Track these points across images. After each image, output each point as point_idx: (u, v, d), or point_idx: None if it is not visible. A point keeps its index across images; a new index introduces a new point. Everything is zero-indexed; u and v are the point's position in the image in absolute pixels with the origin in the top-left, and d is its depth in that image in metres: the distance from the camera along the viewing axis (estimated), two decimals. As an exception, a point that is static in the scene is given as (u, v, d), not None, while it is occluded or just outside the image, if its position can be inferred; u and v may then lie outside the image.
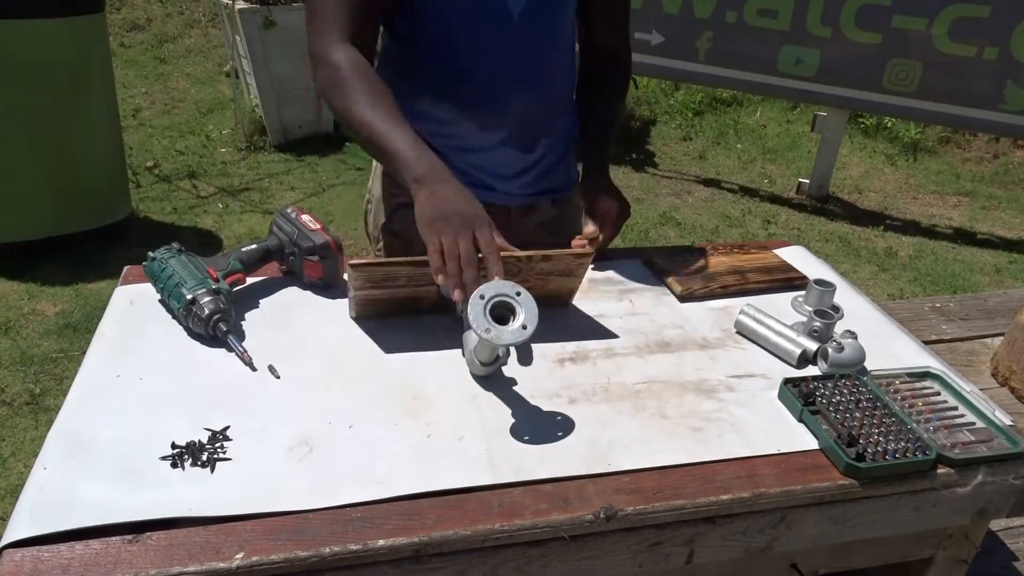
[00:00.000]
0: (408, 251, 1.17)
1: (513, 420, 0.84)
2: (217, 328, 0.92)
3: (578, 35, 1.28)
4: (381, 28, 1.17)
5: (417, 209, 0.92)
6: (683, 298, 1.11)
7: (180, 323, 0.95)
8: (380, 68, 1.19)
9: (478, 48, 1.14)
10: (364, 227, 1.37)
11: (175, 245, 1.03)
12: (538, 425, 0.83)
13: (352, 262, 0.90)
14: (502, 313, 0.83)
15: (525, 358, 0.89)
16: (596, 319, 1.05)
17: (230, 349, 0.91)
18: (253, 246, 1.07)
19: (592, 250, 1.01)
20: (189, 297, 0.93)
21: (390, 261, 0.92)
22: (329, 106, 1.07)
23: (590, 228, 1.13)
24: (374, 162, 1.30)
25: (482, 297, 0.83)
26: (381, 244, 1.32)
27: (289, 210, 1.11)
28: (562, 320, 1.04)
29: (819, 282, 1.06)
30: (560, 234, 1.28)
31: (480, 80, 1.16)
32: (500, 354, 0.88)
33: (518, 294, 0.84)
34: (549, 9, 1.15)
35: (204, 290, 0.94)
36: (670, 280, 1.14)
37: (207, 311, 0.92)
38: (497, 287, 0.84)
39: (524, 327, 0.82)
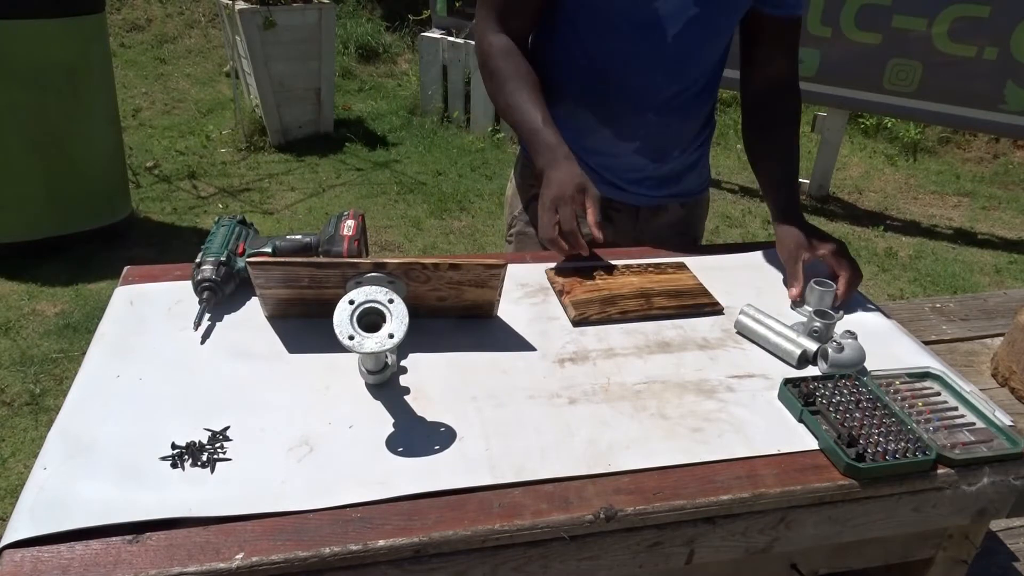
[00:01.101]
0: (538, 242, 1.31)
1: (513, 420, 0.84)
2: (200, 293, 0.97)
3: (744, 62, 1.26)
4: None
5: (543, 183, 1.12)
6: (576, 323, 1.03)
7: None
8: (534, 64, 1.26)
9: (624, 64, 1.17)
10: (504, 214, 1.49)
11: (239, 216, 1.11)
12: (538, 425, 0.83)
13: (249, 260, 0.90)
14: (375, 320, 0.82)
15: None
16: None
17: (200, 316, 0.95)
18: (297, 237, 1.08)
19: (504, 262, 0.94)
20: (197, 260, 0.99)
21: (288, 261, 0.90)
22: (485, 86, 1.23)
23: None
24: (519, 153, 1.42)
25: (351, 303, 0.82)
26: (514, 231, 1.41)
27: (346, 212, 1.13)
28: (483, 330, 1.00)
29: (819, 282, 1.06)
30: (687, 234, 1.34)
31: (622, 94, 1.19)
32: (388, 362, 0.88)
33: (391, 301, 0.83)
34: (704, 34, 1.16)
35: (213, 259, 0.99)
36: (565, 302, 1.06)
37: (199, 276, 0.97)
38: (369, 293, 0.83)
39: (391, 335, 0.80)
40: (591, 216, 1.07)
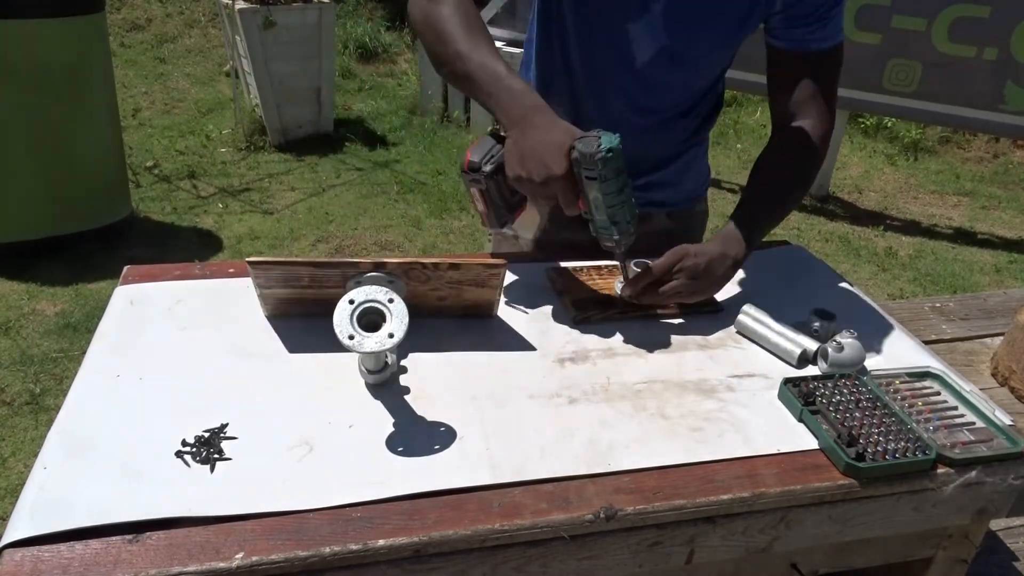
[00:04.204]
0: (516, 243, 1.33)
1: (513, 420, 0.84)
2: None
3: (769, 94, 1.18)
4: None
5: (506, 150, 0.94)
6: (578, 322, 1.03)
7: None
8: (527, 61, 1.23)
9: (595, 77, 1.14)
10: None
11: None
12: (538, 425, 0.83)
13: (250, 260, 0.90)
14: (374, 320, 0.82)
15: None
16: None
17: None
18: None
19: (504, 262, 0.92)
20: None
21: (288, 261, 0.90)
22: (422, 40, 1.03)
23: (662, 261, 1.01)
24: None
25: (351, 303, 0.82)
26: (491, 239, 1.37)
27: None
28: (483, 330, 1.00)
29: (638, 263, 1.05)
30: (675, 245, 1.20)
31: (592, 105, 1.16)
32: (388, 362, 0.88)
33: (391, 301, 0.83)
34: (672, 66, 1.12)
35: None
36: (566, 301, 1.06)
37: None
38: (369, 292, 0.83)
39: (391, 335, 0.80)
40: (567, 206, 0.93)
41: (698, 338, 1.02)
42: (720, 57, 1.15)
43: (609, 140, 0.89)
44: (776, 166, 1.14)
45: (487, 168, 0.98)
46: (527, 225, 1.33)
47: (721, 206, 4.08)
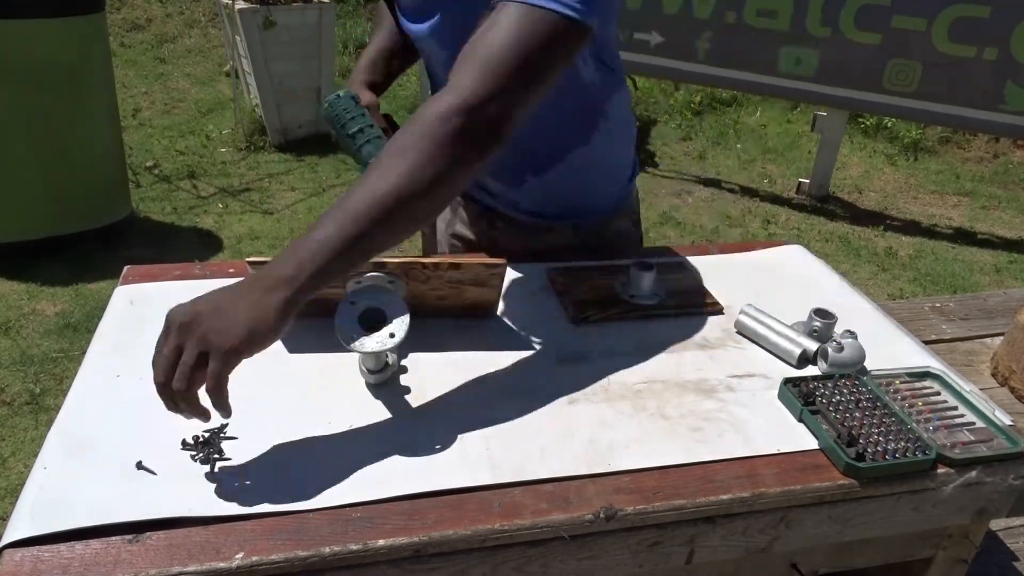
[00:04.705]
0: (429, 237, 1.34)
1: (513, 420, 0.84)
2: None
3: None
4: None
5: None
6: (578, 322, 1.03)
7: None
8: None
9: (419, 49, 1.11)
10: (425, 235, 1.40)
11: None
12: (538, 425, 0.83)
13: (250, 260, 0.90)
14: (376, 320, 0.82)
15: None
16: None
17: None
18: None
19: (504, 261, 0.92)
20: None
21: None
22: None
23: None
24: None
25: (352, 303, 0.82)
26: (447, 249, 1.33)
27: None
28: (483, 330, 1.00)
29: (640, 264, 1.06)
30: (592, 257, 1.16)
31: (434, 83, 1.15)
32: (388, 362, 0.88)
33: (391, 301, 0.83)
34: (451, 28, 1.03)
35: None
36: (565, 301, 1.06)
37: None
38: (370, 293, 0.83)
39: (392, 335, 0.80)
40: None
41: (698, 338, 1.02)
42: None
43: (332, 96, 1.07)
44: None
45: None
46: (442, 216, 1.34)
47: (721, 206, 4.08)
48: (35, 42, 2.79)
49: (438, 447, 0.79)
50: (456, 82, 0.79)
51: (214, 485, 0.72)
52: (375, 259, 0.88)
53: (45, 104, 2.89)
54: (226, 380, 0.70)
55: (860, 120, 5.09)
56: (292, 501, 0.71)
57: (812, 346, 0.97)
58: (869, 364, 0.95)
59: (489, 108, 0.78)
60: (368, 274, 0.89)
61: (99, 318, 0.98)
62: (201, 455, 0.75)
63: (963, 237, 3.91)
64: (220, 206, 3.78)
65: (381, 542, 0.68)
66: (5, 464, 2.09)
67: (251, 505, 0.70)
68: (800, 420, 0.87)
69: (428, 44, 1.05)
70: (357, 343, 0.79)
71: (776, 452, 0.82)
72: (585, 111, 1.10)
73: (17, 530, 0.66)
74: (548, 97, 0.89)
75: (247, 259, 0.91)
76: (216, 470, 0.74)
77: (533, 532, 0.72)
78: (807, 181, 4.25)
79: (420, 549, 0.69)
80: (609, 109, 1.12)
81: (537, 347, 0.97)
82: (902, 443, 0.81)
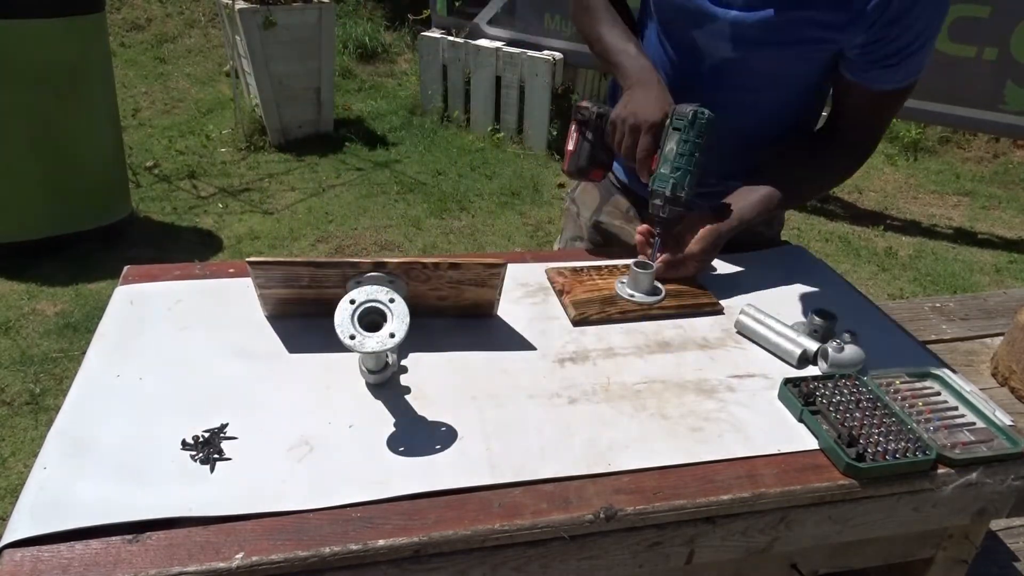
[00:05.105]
0: (576, 221, 1.41)
1: (513, 420, 0.84)
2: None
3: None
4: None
5: (618, 102, 1.11)
6: (576, 322, 1.03)
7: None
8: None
9: (670, 82, 1.14)
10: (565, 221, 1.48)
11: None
12: (538, 425, 0.83)
13: (250, 260, 0.90)
14: (375, 320, 0.82)
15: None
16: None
17: None
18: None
19: (504, 261, 0.94)
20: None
21: (288, 261, 0.90)
22: (576, 23, 1.27)
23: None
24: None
25: (352, 302, 0.82)
26: (587, 237, 1.40)
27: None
28: (482, 330, 1.00)
29: (639, 264, 1.07)
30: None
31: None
32: (389, 362, 0.88)
33: (392, 301, 0.83)
34: (739, 78, 1.12)
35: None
36: (565, 301, 1.06)
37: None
38: (370, 292, 0.83)
39: (392, 335, 0.80)
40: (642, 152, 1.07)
41: (698, 338, 1.02)
42: (781, 70, 1.12)
43: (705, 109, 1.04)
44: (805, 159, 1.19)
45: (596, 109, 1.16)
46: (588, 204, 1.39)
47: (721, 206, 4.08)
48: (35, 42, 2.79)
49: (438, 447, 0.79)
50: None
51: (214, 485, 0.72)
52: (375, 259, 0.88)
53: (45, 104, 2.89)
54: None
55: (860, 120, 5.08)
56: (292, 501, 0.71)
57: (812, 346, 0.97)
58: (869, 364, 0.95)
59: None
60: (368, 274, 0.89)
61: (99, 318, 0.98)
62: (201, 455, 0.75)
63: (963, 237, 3.91)
64: (220, 206, 3.78)
65: (381, 542, 0.68)
66: (5, 464, 2.09)
67: (251, 505, 0.70)
68: (800, 420, 0.87)
69: (724, 36, 1.09)
70: (357, 343, 0.79)
71: (776, 452, 0.82)
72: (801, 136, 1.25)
73: (17, 530, 0.66)
74: (777, 118, 1.20)
75: (247, 259, 0.91)
76: (216, 470, 0.74)
77: (533, 532, 0.72)
78: (807, 181, 4.24)
79: (420, 549, 0.69)
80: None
81: (537, 347, 0.97)
82: (902, 443, 0.81)
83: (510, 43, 4.62)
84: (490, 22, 4.70)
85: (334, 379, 0.89)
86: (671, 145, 1.06)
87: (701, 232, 1.09)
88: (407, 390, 0.88)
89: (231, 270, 1.09)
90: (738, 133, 1.17)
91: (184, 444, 0.76)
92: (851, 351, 0.94)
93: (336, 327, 0.80)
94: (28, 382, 2.40)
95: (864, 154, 1.18)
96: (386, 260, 0.89)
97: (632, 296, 1.07)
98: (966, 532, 0.93)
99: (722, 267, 1.20)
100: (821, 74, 1.14)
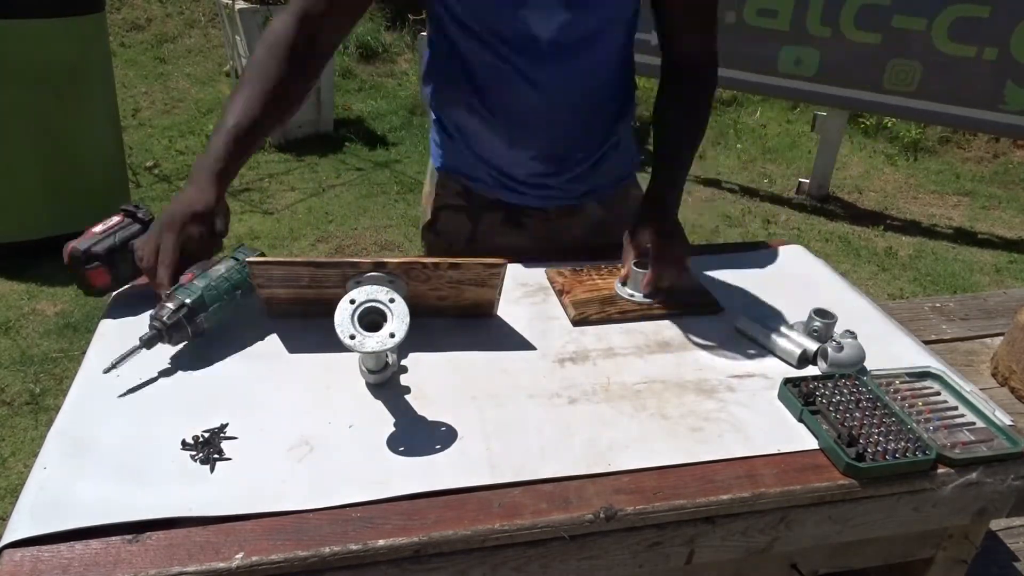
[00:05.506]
0: (448, 252, 1.25)
1: (513, 420, 0.84)
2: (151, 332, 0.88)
3: (658, 36, 1.22)
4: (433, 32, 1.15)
5: None
6: (576, 323, 1.03)
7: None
8: (428, 71, 1.20)
9: (503, 77, 1.10)
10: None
11: (258, 252, 0.99)
12: (538, 425, 0.83)
13: (249, 260, 0.90)
14: (375, 320, 0.82)
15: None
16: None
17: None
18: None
19: (504, 261, 0.93)
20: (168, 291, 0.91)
21: (288, 261, 0.90)
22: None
23: (649, 275, 1.06)
24: (430, 162, 1.31)
25: (352, 302, 0.82)
26: (424, 243, 1.34)
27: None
28: (482, 330, 1.00)
29: (639, 263, 1.07)
30: (611, 235, 1.20)
31: (506, 108, 1.13)
32: (389, 362, 0.88)
33: (392, 301, 0.83)
34: (586, 35, 1.09)
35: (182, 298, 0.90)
36: (564, 301, 1.06)
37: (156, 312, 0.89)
38: (370, 292, 0.83)
39: (392, 335, 0.80)
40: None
41: (698, 338, 1.02)
42: (611, 14, 1.12)
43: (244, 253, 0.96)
44: (676, 122, 1.19)
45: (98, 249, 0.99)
46: (456, 231, 1.30)
47: (721, 206, 4.09)
48: (35, 42, 2.79)
49: (438, 447, 0.79)
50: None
51: (214, 485, 0.72)
52: (375, 259, 0.88)
53: (45, 104, 2.89)
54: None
55: (860, 120, 5.10)
56: (292, 501, 0.71)
57: (812, 346, 0.97)
58: (869, 364, 0.95)
59: None
60: (368, 274, 0.89)
61: (99, 318, 0.98)
62: (201, 455, 0.75)
63: (963, 237, 3.91)
64: (220, 206, 3.77)
65: (381, 542, 0.68)
66: (5, 464, 2.09)
67: (251, 505, 0.70)
68: (800, 420, 0.87)
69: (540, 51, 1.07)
70: (357, 343, 0.79)
71: (776, 452, 0.82)
72: (628, 92, 1.25)
73: (17, 530, 0.66)
74: (615, 81, 1.21)
75: (247, 259, 0.91)
76: (216, 470, 0.74)
77: (533, 532, 0.72)
78: (807, 181, 4.25)
79: (420, 549, 0.69)
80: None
81: (537, 347, 0.97)
82: (902, 443, 0.81)
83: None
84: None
85: (334, 379, 0.89)
86: (221, 269, 0.94)
87: (651, 237, 1.08)
88: (407, 390, 0.88)
89: (231, 270, 1.08)
90: (584, 108, 1.17)
91: (184, 444, 0.76)
92: (851, 351, 0.94)
93: (336, 327, 0.80)
94: (28, 382, 2.40)
95: (709, 62, 1.21)
96: (386, 260, 0.89)
97: (632, 296, 1.07)
98: (966, 532, 0.93)
99: (722, 267, 1.20)
100: (629, 31, 1.18)
